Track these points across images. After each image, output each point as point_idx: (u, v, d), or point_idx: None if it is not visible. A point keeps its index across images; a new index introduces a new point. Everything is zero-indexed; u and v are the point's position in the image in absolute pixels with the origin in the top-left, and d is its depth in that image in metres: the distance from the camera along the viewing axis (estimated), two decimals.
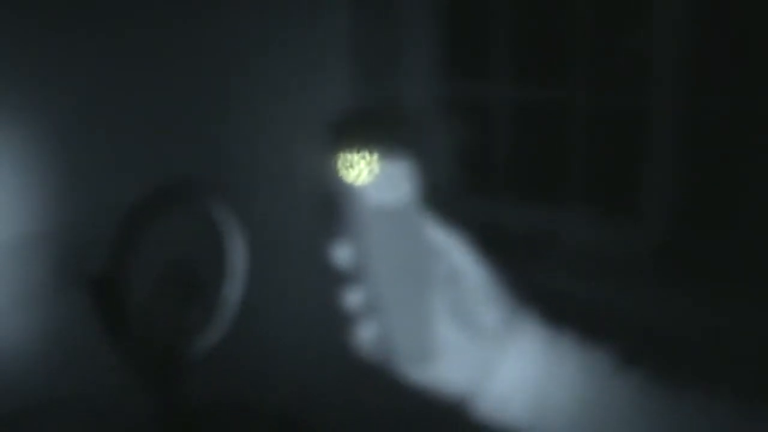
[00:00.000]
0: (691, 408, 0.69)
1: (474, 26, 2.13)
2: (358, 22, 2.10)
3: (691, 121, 1.80)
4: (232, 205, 2.06)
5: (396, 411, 1.84)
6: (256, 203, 2.30)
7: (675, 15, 1.76)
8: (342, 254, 0.71)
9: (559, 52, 1.96)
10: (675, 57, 1.78)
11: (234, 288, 2.05)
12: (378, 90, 2.11)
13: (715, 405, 0.69)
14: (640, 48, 1.86)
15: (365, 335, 0.72)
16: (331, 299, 0.74)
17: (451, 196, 2.11)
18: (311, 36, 2.18)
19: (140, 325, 1.92)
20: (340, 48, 2.14)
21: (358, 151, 0.68)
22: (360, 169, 0.68)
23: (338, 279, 0.72)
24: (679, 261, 1.82)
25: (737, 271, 1.70)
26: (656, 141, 1.85)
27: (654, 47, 1.81)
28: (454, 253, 0.72)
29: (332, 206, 0.71)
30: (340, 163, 0.69)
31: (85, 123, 2.14)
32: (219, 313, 2.04)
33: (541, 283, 0.84)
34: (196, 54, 2.29)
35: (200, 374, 2.04)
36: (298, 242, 2.21)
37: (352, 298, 0.71)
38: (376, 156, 0.68)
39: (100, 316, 1.91)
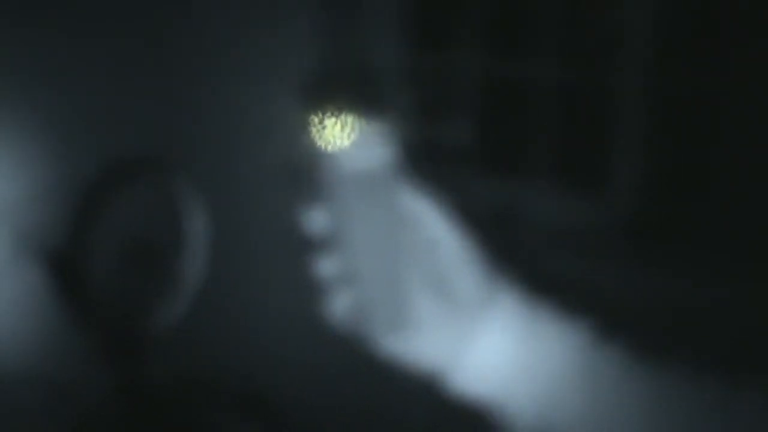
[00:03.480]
0: (669, 381, 0.69)
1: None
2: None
3: (659, 95, 1.81)
4: (196, 178, 2.04)
5: (367, 385, 1.84)
6: (225, 173, 2.28)
7: None
8: (315, 221, 0.69)
9: (528, 25, 1.95)
10: (643, 31, 1.78)
11: (195, 262, 2.03)
12: (344, 57, 2.09)
13: (693, 378, 0.69)
14: (608, 22, 1.86)
15: (339, 305, 0.70)
16: (302, 270, 0.72)
17: (417, 170, 2.10)
18: (274, 1, 2.16)
19: (101, 301, 1.90)
20: (307, 12, 2.12)
21: (332, 115, 0.66)
22: (334, 133, 0.66)
23: (310, 249, 0.70)
24: (648, 235, 1.83)
25: (707, 244, 1.72)
26: (625, 115, 1.85)
27: (623, 21, 1.81)
28: (431, 222, 0.71)
29: (305, 172, 0.69)
30: (313, 128, 0.67)
31: (45, 97, 2.10)
32: (181, 289, 2.02)
33: (515, 258, 0.83)
34: (155, 23, 2.26)
35: (163, 350, 2.02)
36: (269, 212, 2.19)
37: (326, 266, 0.70)
38: (350, 120, 0.66)
39: (60, 292, 1.89)
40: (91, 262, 1.88)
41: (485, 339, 0.70)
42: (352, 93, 0.68)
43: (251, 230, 2.30)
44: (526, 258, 1.69)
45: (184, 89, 2.32)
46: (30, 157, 2.11)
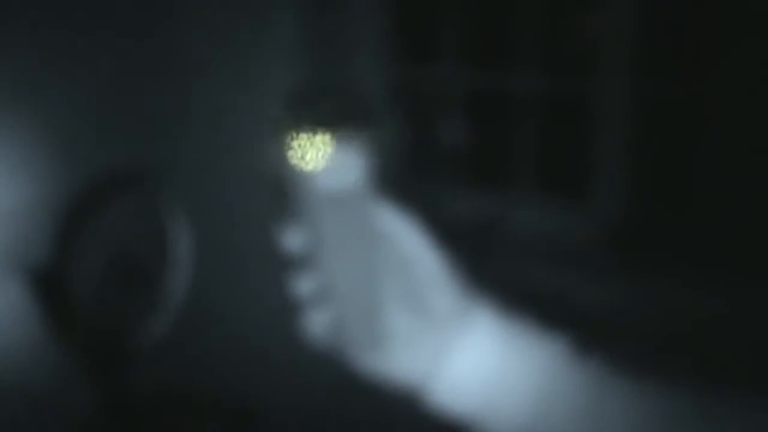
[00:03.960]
0: (650, 394, 0.69)
1: (423, 12, 2.12)
2: (306, 12, 2.09)
3: (642, 104, 1.82)
4: (179, 194, 2.04)
5: (349, 399, 1.84)
6: (204, 191, 2.28)
7: (625, 2, 1.77)
8: (292, 240, 0.69)
9: (510, 36, 1.96)
10: (625, 40, 1.79)
11: (179, 278, 2.03)
12: (328, 72, 2.09)
13: (674, 391, 0.69)
14: (589, 31, 1.87)
15: (316, 322, 0.70)
16: (280, 287, 0.72)
17: (401, 183, 2.11)
18: (257, 17, 2.16)
19: (86, 316, 1.90)
20: (288, 31, 2.12)
21: (310, 134, 0.66)
22: (311, 153, 0.66)
23: (288, 266, 0.70)
24: (632, 244, 1.84)
25: (690, 253, 1.72)
26: (607, 125, 1.86)
27: (604, 32, 1.81)
28: (407, 240, 0.71)
29: (283, 191, 0.69)
30: (291, 146, 0.67)
31: (30, 115, 2.10)
32: (164, 304, 2.02)
33: (495, 271, 0.84)
34: (139, 40, 2.26)
35: (147, 365, 2.02)
36: (248, 230, 2.19)
37: (303, 284, 0.70)
38: (327, 139, 0.66)
39: (45, 307, 1.88)
40: (77, 277, 1.87)
41: (464, 354, 0.70)
42: (335, 108, 0.68)
43: (234, 246, 2.30)
44: (507, 269, 1.70)
45: (169, 106, 2.33)
46: (15, 173, 2.10)
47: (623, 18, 1.78)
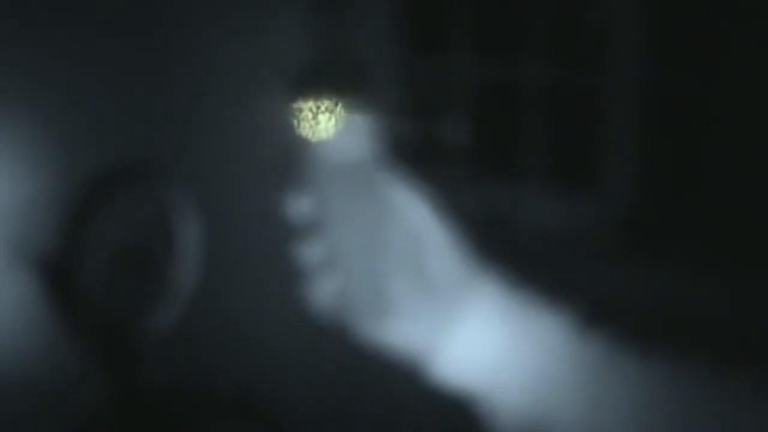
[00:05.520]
0: (655, 370, 0.69)
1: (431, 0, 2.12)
2: None
3: (651, 94, 1.81)
4: (186, 185, 2.04)
5: (357, 390, 1.84)
6: (211, 181, 2.28)
7: None
8: (300, 210, 0.70)
9: (519, 26, 1.96)
10: (634, 30, 1.79)
11: (187, 270, 2.03)
12: (334, 51, 2.09)
13: (679, 366, 0.68)
14: (598, 22, 1.87)
15: (322, 292, 0.70)
16: (290, 277, 0.72)
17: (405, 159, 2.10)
18: (263, 2, 2.16)
19: (94, 307, 1.90)
20: (294, 17, 2.12)
21: (319, 106, 0.66)
22: (320, 124, 0.66)
23: (295, 238, 0.70)
24: (640, 233, 1.83)
25: (698, 242, 1.72)
26: (616, 115, 1.85)
27: (614, 23, 1.81)
28: (414, 212, 0.71)
29: (291, 162, 0.69)
30: (299, 119, 0.67)
31: (38, 107, 2.10)
32: (172, 296, 2.02)
33: (502, 260, 0.83)
34: (143, 28, 2.26)
35: (155, 357, 2.02)
36: (256, 220, 2.19)
37: (309, 253, 0.70)
38: (337, 110, 0.66)
39: (54, 299, 1.88)
40: (84, 268, 1.88)
41: (468, 328, 0.70)
42: (341, 83, 0.68)
43: (243, 237, 2.30)
44: (514, 253, 1.69)
45: (175, 96, 2.32)
46: (23, 165, 2.11)
47: (632, 8, 1.78)
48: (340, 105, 0.67)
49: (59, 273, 1.87)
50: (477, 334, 0.70)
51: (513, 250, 1.86)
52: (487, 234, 1.89)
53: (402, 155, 0.71)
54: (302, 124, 0.67)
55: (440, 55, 2.10)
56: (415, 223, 0.70)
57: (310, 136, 0.67)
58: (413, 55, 2.15)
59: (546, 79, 1.95)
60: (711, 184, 1.71)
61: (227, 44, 2.24)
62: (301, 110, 0.67)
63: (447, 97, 2.13)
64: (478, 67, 2.07)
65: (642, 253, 1.80)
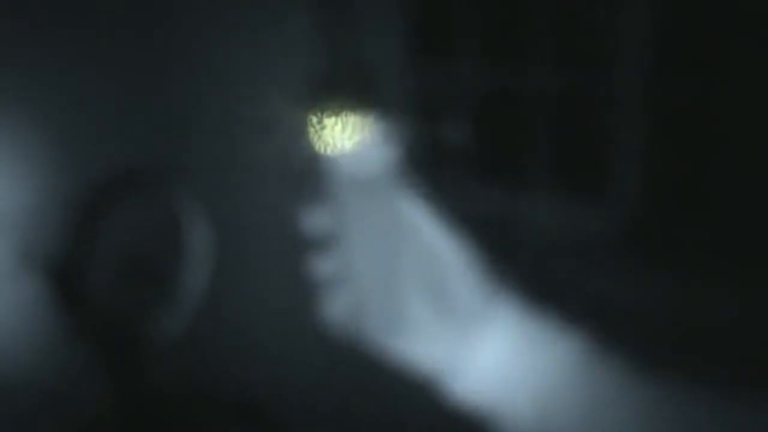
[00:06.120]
0: (668, 392, 0.68)
1: (439, 7, 2.12)
2: (321, 4, 2.09)
3: (658, 103, 1.81)
4: (195, 189, 2.04)
5: (364, 397, 1.83)
6: (220, 185, 2.27)
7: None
8: (314, 223, 0.69)
9: (527, 32, 1.96)
10: (642, 38, 1.79)
11: (195, 274, 2.03)
12: (344, 61, 2.09)
13: (692, 389, 0.68)
14: (606, 30, 1.87)
15: (336, 306, 0.70)
16: (299, 283, 0.72)
17: (420, 173, 2.10)
18: (271, 9, 2.16)
19: (101, 311, 1.90)
20: (302, 23, 2.12)
21: (333, 118, 0.66)
22: (335, 136, 0.66)
23: (309, 251, 0.70)
24: (648, 242, 1.83)
25: (705, 251, 1.71)
26: (624, 123, 1.85)
27: (621, 29, 1.82)
28: (430, 230, 0.70)
29: (305, 175, 0.69)
30: (313, 130, 0.67)
31: (45, 109, 2.11)
32: (180, 300, 2.02)
33: (511, 267, 0.83)
34: (151, 33, 2.26)
35: (162, 361, 2.02)
36: (265, 225, 2.19)
37: (324, 268, 0.70)
38: (351, 123, 0.66)
39: (61, 303, 1.89)
40: (92, 272, 1.88)
41: (484, 346, 0.70)
42: (354, 95, 0.68)
43: (251, 241, 2.30)
44: (525, 266, 1.69)
45: (183, 96, 2.32)
46: (30, 169, 2.11)
47: (640, 16, 1.78)
48: (356, 118, 0.67)
49: (66, 278, 1.87)
50: (493, 354, 0.70)
51: (519, 257, 1.87)
52: (494, 241, 1.90)
53: (412, 162, 0.70)
54: (317, 136, 0.67)
55: (448, 62, 2.11)
56: (430, 238, 0.70)
57: (325, 148, 0.67)
58: (421, 63, 2.15)
59: (552, 86, 1.95)
60: (717, 192, 1.71)
61: (241, 53, 2.24)
62: (316, 123, 0.67)
63: (454, 103, 2.13)
64: (485, 73, 2.07)
65: (647, 262, 1.79)
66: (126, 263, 1.94)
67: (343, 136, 0.66)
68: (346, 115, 0.66)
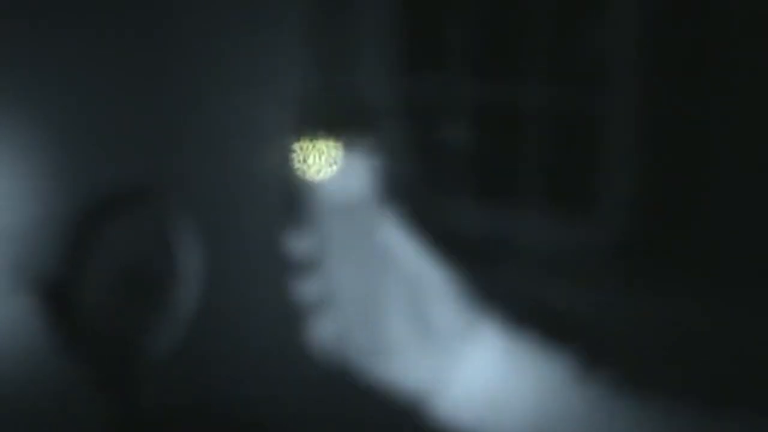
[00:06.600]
0: (653, 411, 0.69)
1: (430, 22, 2.12)
2: (315, 16, 2.09)
3: (648, 118, 1.81)
4: (188, 206, 2.04)
5: (356, 413, 1.83)
6: (212, 202, 2.28)
7: (631, 14, 1.77)
8: (298, 246, 0.70)
9: (517, 49, 1.96)
10: (631, 53, 1.80)
11: (188, 290, 2.03)
12: (333, 85, 2.10)
13: (680, 407, 0.69)
14: (596, 45, 1.87)
15: (320, 330, 0.70)
16: (290, 299, 0.73)
17: (405, 194, 2.10)
18: (264, 25, 2.17)
19: (95, 329, 1.90)
20: (295, 38, 2.12)
21: (318, 145, 0.67)
22: (318, 161, 0.67)
23: (294, 274, 0.70)
24: (638, 258, 1.83)
25: (696, 267, 1.71)
26: (614, 138, 1.85)
27: (611, 45, 1.82)
28: (411, 253, 0.71)
29: (290, 200, 0.70)
30: (300, 158, 0.67)
31: (39, 125, 2.11)
32: (173, 317, 2.02)
33: (500, 284, 0.84)
34: (148, 54, 2.26)
35: (156, 378, 2.02)
36: (257, 241, 2.19)
37: (307, 291, 0.70)
38: (335, 150, 0.67)
39: (54, 321, 1.88)
40: (86, 290, 1.87)
41: (468, 367, 0.71)
42: (342, 120, 0.68)
43: (243, 258, 2.30)
44: (513, 282, 1.69)
45: (178, 118, 2.33)
46: (25, 187, 2.11)
47: (630, 31, 1.78)
48: (340, 145, 0.67)
49: (61, 294, 1.86)
50: (477, 375, 0.70)
51: (510, 273, 1.87)
52: (484, 256, 1.90)
53: (395, 187, 0.71)
54: (302, 163, 0.67)
55: (439, 77, 2.11)
56: (413, 264, 0.71)
57: (310, 175, 0.67)
58: (411, 75, 2.15)
59: (544, 102, 1.96)
60: (710, 209, 1.71)
61: (231, 73, 2.24)
62: (302, 149, 0.67)
63: (444, 119, 2.13)
64: (476, 88, 2.07)
65: (639, 277, 1.80)
66: (120, 279, 1.93)
67: (327, 163, 0.67)
68: (330, 141, 0.67)
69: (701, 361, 1.47)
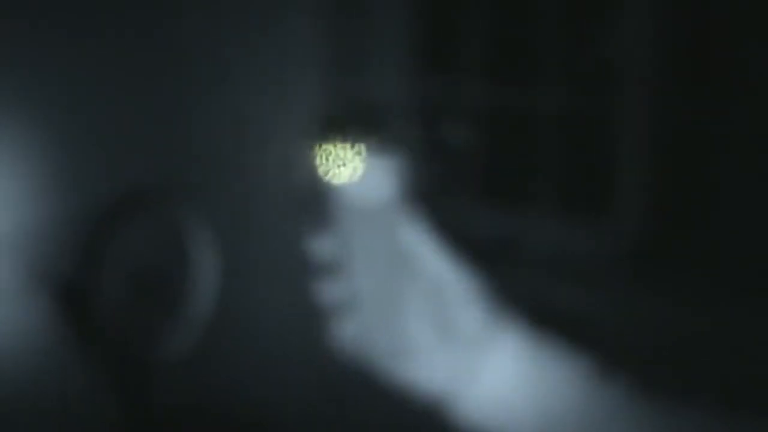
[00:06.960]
0: (671, 416, 0.69)
1: (445, 26, 2.12)
2: (330, 19, 2.09)
3: (661, 123, 1.82)
4: (203, 208, 2.04)
5: (372, 417, 1.83)
6: (228, 204, 2.28)
7: (644, 18, 1.78)
8: (321, 249, 0.70)
9: (530, 54, 1.96)
10: (645, 58, 1.80)
11: (203, 292, 2.03)
12: (350, 87, 2.10)
13: (697, 414, 0.69)
14: (610, 50, 1.88)
15: (342, 332, 0.71)
16: (306, 302, 0.73)
17: (424, 198, 2.10)
18: (280, 28, 2.16)
19: (109, 330, 1.90)
20: (311, 41, 2.12)
21: (340, 149, 0.67)
22: (343, 166, 0.67)
23: (314, 277, 0.70)
24: (652, 263, 1.83)
25: (710, 272, 1.71)
26: (627, 143, 1.86)
27: (624, 49, 1.82)
28: (433, 258, 0.71)
29: (311, 203, 0.70)
30: (322, 160, 0.67)
31: (53, 127, 2.10)
32: (188, 319, 2.02)
33: (514, 288, 0.83)
34: (163, 54, 2.26)
35: (171, 379, 2.02)
36: (272, 243, 2.19)
37: (330, 294, 0.70)
38: (357, 154, 0.67)
39: (68, 322, 1.88)
40: (100, 291, 1.88)
41: (487, 370, 0.71)
42: (360, 124, 0.68)
43: (258, 260, 2.30)
44: (529, 289, 1.69)
45: (193, 119, 2.32)
46: (38, 187, 2.11)
47: (643, 35, 1.78)
48: (362, 148, 0.67)
49: (74, 296, 1.87)
50: (496, 378, 0.71)
51: (523, 278, 1.87)
52: (498, 264, 1.90)
53: (415, 190, 0.71)
54: (324, 166, 0.67)
55: (453, 81, 2.11)
56: (434, 268, 0.71)
57: (332, 178, 0.67)
58: (427, 80, 2.15)
59: (557, 108, 1.96)
60: (723, 214, 1.71)
61: (249, 75, 2.24)
62: (323, 153, 0.67)
63: (458, 123, 2.13)
64: (490, 92, 2.07)
65: (652, 282, 1.80)
66: (133, 282, 1.93)
67: (350, 167, 0.67)
68: (351, 144, 0.67)
69: (715, 366, 1.47)
